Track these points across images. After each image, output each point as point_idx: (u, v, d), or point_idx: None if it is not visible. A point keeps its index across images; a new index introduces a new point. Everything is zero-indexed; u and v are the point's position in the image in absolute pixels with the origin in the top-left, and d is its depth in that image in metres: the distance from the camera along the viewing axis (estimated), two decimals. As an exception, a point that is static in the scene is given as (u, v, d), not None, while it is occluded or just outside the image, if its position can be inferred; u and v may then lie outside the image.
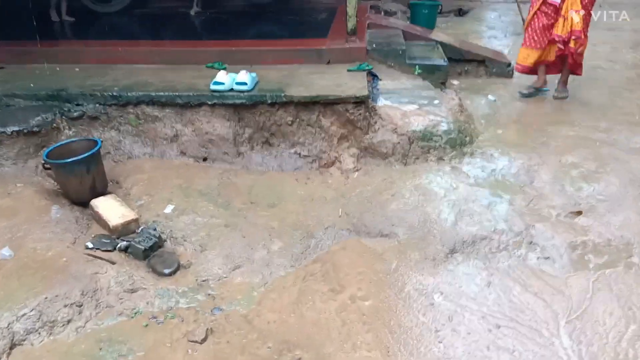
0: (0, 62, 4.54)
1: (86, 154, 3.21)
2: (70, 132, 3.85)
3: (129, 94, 3.83)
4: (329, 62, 4.38)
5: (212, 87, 3.81)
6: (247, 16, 5.86)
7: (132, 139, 3.93)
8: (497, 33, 7.02)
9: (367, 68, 4.19)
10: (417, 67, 4.53)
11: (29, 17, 5.68)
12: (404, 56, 4.59)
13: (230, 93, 3.78)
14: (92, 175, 3.26)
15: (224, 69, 4.35)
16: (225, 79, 3.83)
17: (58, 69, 4.43)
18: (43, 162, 3.25)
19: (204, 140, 3.88)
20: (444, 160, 3.68)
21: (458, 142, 3.74)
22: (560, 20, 4.32)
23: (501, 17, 8.07)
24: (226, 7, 6.22)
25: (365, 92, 3.69)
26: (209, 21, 5.66)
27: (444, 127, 3.73)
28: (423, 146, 3.70)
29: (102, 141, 3.42)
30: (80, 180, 3.23)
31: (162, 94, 3.82)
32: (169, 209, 3.28)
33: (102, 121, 3.90)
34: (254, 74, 3.94)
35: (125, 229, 3.06)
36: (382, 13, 5.94)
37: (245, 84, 3.79)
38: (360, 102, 3.72)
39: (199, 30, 5.23)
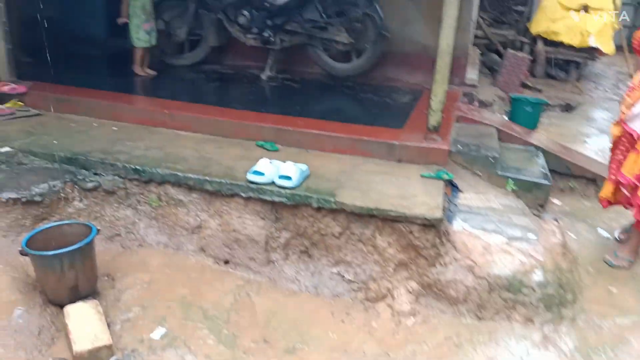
0: (40, 108, 4.13)
1: (70, 248, 2.55)
2: (81, 205, 3.26)
3: (154, 169, 3.21)
4: (399, 161, 3.58)
5: (250, 176, 3.10)
6: (320, 88, 5.23)
7: (149, 222, 3.28)
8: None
9: (446, 177, 3.34)
10: (510, 181, 3.62)
11: (94, 63, 5.41)
12: (496, 165, 3.70)
13: (270, 187, 3.06)
14: (75, 272, 2.59)
15: (276, 150, 3.66)
16: (267, 168, 3.12)
17: (95, 124, 3.94)
18: (20, 248, 2.63)
19: (229, 239, 3.15)
20: (533, 323, 2.70)
21: (556, 300, 2.76)
22: (632, 155, 3.15)
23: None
24: (302, 74, 5.64)
25: (437, 215, 2.84)
26: (277, 89, 5.07)
27: (538, 276, 2.77)
28: (507, 298, 2.75)
29: (98, 230, 2.77)
30: (59, 277, 2.57)
31: (191, 175, 3.16)
32: (157, 334, 2.53)
33: (119, 197, 3.29)
34: (303, 167, 3.21)
35: (93, 358, 2.33)
36: (477, 103, 5.09)
37: (289, 178, 3.06)
38: (430, 225, 2.86)
39: (261, 98, 4.63)
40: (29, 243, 2.63)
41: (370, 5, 5.01)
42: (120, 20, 4.86)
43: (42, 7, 6.62)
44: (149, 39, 4.94)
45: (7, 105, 4.04)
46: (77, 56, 5.77)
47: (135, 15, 4.83)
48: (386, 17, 5.16)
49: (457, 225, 3.08)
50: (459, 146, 3.82)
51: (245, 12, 5.20)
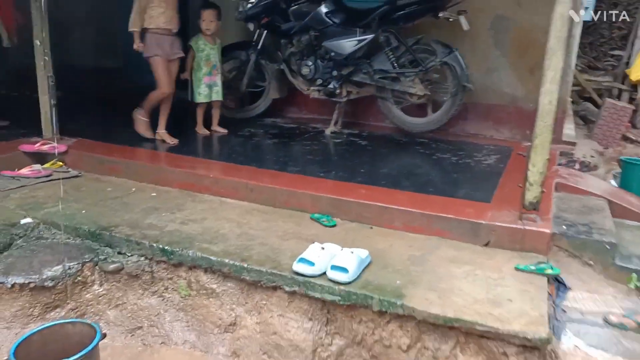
0: (81, 168, 3.79)
1: (63, 362, 2.03)
2: (101, 289, 2.78)
3: (184, 251, 2.68)
4: (487, 244, 2.85)
5: (297, 266, 2.49)
6: (390, 145, 4.60)
7: (175, 315, 2.73)
8: None
9: (550, 273, 2.57)
10: (635, 276, 2.77)
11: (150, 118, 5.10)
12: (614, 253, 2.87)
13: (321, 281, 2.43)
14: (70, 390, 2.06)
15: (333, 225, 3.05)
16: (317, 257, 2.50)
17: (134, 189, 3.52)
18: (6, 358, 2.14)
19: (268, 343, 2.54)
20: None
21: None
22: None
23: None
24: (370, 129, 5.06)
25: (542, 333, 2.08)
26: (341, 146, 4.50)
27: None
28: None
29: (104, 334, 2.24)
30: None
31: (226, 260, 2.60)
32: None
33: (144, 282, 2.78)
34: (363, 253, 2.56)
35: None
36: (578, 165, 4.26)
37: (345, 270, 2.42)
38: (532, 347, 2.11)
39: (321, 159, 4.07)
40: (23, 346, 2.14)
41: (450, 53, 4.39)
42: (183, 76, 4.49)
43: (107, 57, 6.59)
44: (209, 94, 4.52)
45: (47, 165, 3.73)
46: (130, 109, 5.53)
47: (198, 68, 4.46)
48: (468, 65, 4.51)
49: (568, 342, 2.29)
50: (563, 227, 3.02)
51: (309, 63, 4.74)
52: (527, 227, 2.79)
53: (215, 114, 4.71)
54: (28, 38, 4.18)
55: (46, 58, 3.75)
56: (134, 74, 6.45)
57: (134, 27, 4.05)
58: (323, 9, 4.65)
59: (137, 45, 4.08)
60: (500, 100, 4.84)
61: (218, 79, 4.54)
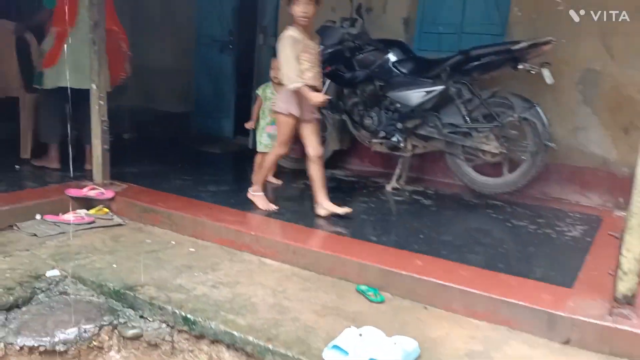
0: (126, 216, 3.65)
1: None
2: (118, 356, 2.52)
3: (207, 322, 2.38)
4: (566, 342, 2.33)
5: (328, 355, 2.11)
6: (457, 207, 4.15)
7: (193, 395, 2.41)
8: None
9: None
10: None
11: (208, 165, 4.98)
12: None
13: (355, 377, 2.03)
14: None
15: (380, 301, 2.65)
16: (353, 346, 2.10)
17: (173, 242, 3.30)
18: None
19: None
20: None
21: None
22: None
23: None
24: (436, 187, 4.63)
25: None
26: (401, 205, 4.11)
27: None
28: None
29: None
30: None
31: (250, 339, 2.26)
32: None
33: (163, 352, 2.49)
34: (410, 347, 2.13)
35: None
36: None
37: (385, 366, 2.01)
38: None
39: (377, 219, 3.68)
40: None
41: (530, 108, 3.93)
42: (249, 125, 4.30)
43: (180, 102, 6.66)
44: (271, 144, 4.21)
45: (92, 211, 3.61)
46: (193, 155, 5.47)
47: (263, 116, 4.23)
48: (551, 122, 4.02)
49: None
50: (667, 327, 2.44)
51: (373, 114, 4.44)
52: (618, 326, 2.25)
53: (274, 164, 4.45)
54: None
55: (101, 102, 3.69)
56: (200, 120, 6.48)
57: (296, 82, 3.34)
58: (391, 57, 4.36)
59: (320, 98, 3.38)
60: (588, 162, 4.27)
61: None
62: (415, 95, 4.24)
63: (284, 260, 3.06)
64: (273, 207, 3.67)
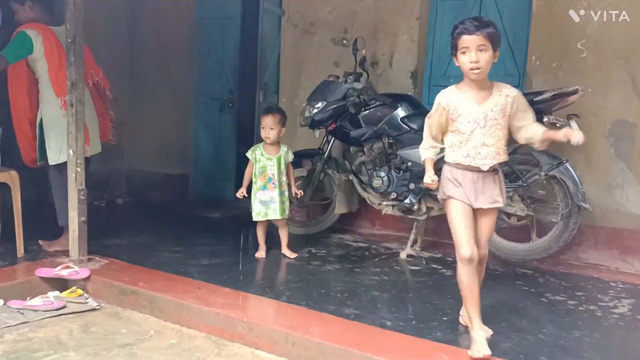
0: (104, 298, 3.19)
1: None
2: None
3: None
4: None
5: None
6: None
7: None
8: None
9: None
10: None
11: (204, 232, 4.53)
12: None
13: None
14: None
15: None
16: None
17: (152, 332, 2.82)
18: None
19: None
20: None
21: None
22: None
23: None
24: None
25: None
26: (418, 278, 3.62)
27: None
28: None
29: None
30: None
31: None
32: None
33: None
34: None
35: None
36: None
37: None
38: None
39: (390, 296, 3.18)
40: None
41: (559, 164, 3.51)
42: (239, 193, 3.80)
43: (175, 164, 6.31)
44: (265, 212, 3.78)
45: (64, 294, 3.16)
46: (189, 221, 5.05)
47: (254, 181, 3.83)
48: (584, 180, 3.58)
49: None
50: None
51: (382, 174, 4.02)
52: None
53: (282, 235, 3.93)
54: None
55: (78, 169, 3.32)
56: (200, 182, 6.11)
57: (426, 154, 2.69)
58: (399, 113, 3.99)
59: (430, 178, 2.59)
60: (627, 224, 3.79)
61: (276, 194, 3.79)
62: (429, 153, 3.82)
63: (282, 353, 2.58)
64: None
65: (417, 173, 3.88)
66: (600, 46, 3.82)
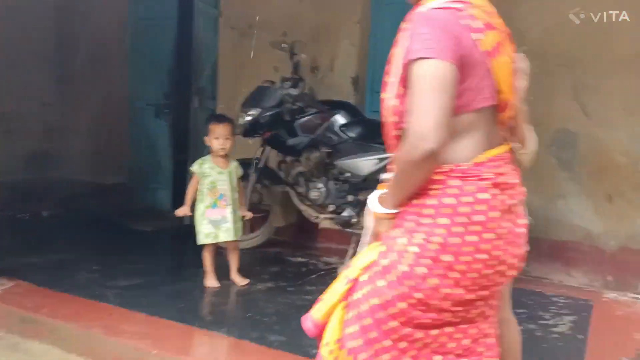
0: (2, 328, 2.84)
1: None
2: None
3: None
4: None
5: None
6: None
7: None
8: None
9: None
10: None
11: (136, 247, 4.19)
12: None
13: None
14: None
15: None
16: None
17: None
18: None
19: None
20: None
21: None
22: None
23: None
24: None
25: None
26: None
27: None
28: None
29: None
30: None
31: None
32: None
33: None
34: None
35: None
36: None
37: None
38: None
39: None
40: None
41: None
42: (181, 211, 3.37)
43: (108, 172, 5.95)
44: (216, 234, 3.34)
45: (-44, 322, 2.81)
46: (117, 235, 4.69)
47: (201, 198, 3.36)
48: (527, 190, 3.44)
49: None
50: None
51: (319, 185, 3.80)
52: None
53: (233, 259, 3.48)
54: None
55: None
56: (135, 192, 5.75)
57: None
58: (338, 120, 3.79)
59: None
60: (570, 236, 3.69)
61: (228, 213, 3.34)
62: (367, 164, 3.64)
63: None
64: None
65: (356, 184, 3.69)
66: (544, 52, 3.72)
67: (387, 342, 1.35)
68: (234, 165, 3.49)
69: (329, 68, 4.51)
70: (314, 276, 3.72)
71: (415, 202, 1.34)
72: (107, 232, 4.83)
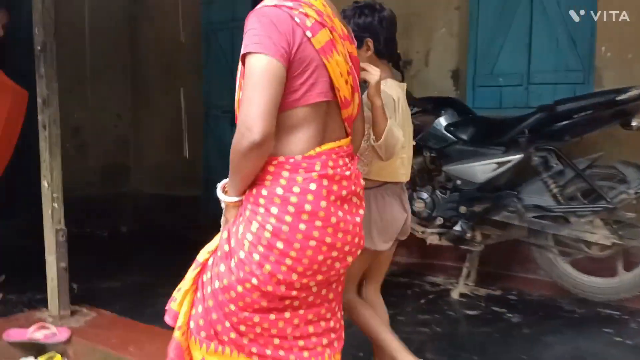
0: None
1: None
2: None
3: None
4: None
5: None
6: (557, 326, 2.92)
7: None
8: None
9: None
10: None
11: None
12: None
13: None
14: None
15: None
16: None
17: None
18: None
19: None
20: None
21: None
22: None
23: None
24: (520, 287, 3.44)
25: None
26: (477, 326, 2.91)
27: None
28: None
29: None
30: None
31: None
32: None
33: None
34: None
35: None
36: None
37: None
38: None
39: (445, 348, 2.50)
40: None
41: (654, 179, 2.78)
42: None
43: (184, 184, 5.70)
44: None
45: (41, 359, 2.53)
46: (198, 251, 4.38)
47: None
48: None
49: None
50: None
51: (424, 195, 3.33)
52: None
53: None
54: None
55: (55, 205, 2.70)
56: (212, 205, 5.45)
57: None
58: (442, 121, 3.31)
59: None
60: None
61: None
62: (482, 169, 3.14)
63: None
64: None
65: (469, 193, 3.19)
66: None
67: (227, 324, 1.41)
68: None
69: (423, 62, 4.03)
70: (422, 301, 3.24)
71: (253, 191, 1.40)
72: (187, 249, 4.52)
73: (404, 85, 2.06)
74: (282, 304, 1.41)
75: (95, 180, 5.60)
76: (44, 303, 2.91)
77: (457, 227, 3.22)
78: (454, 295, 3.28)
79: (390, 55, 2.00)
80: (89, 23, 5.20)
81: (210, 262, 1.48)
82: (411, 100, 3.40)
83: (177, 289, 1.53)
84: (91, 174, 5.57)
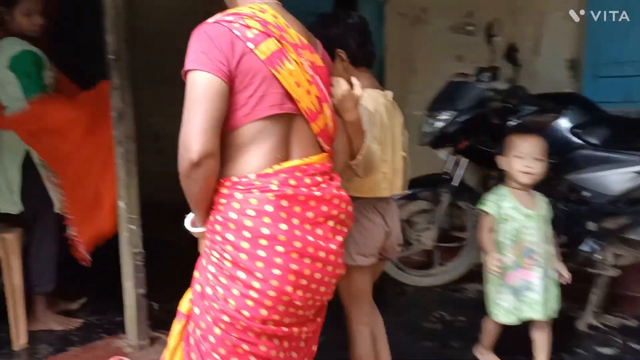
0: None
1: None
2: None
3: None
4: None
5: None
6: None
7: None
8: None
9: None
10: None
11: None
12: None
13: None
14: None
15: None
16: None
17: None
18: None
19: None
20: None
21: None
22: None
23: None
24: None
25: None
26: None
27: None
28: None
29: None
30: None
31: None
32: None
33: None
34: None
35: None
36: None
37: None
38: None
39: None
40: None
41: None
42: (495, 265, 2.33)
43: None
44: (519, 308, 2.33)
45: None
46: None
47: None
48: None
49: None
50: None
51: (544, 209, 2.84)
52: None
53: (540, 345, 2.37)
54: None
55: (133, 227, 2.48)
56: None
57: None
58: (565, 122, 2.80)
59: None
60: None
61: (538, 278, 2.32)
62: (617, 179, 2.63)
63: None
64: None
65: (600, 207, 2.68)
66: None
67: None
68: (544, 202, 2.44)
69: (533, 51, 3.52)
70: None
71: (210, 218, 1.32)
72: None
73: (389, 93, 1.93)
74: (264, 340, 1.30)
75: (176, 185, 5.49)
76: (124, 327, 2.73)
77: (585, 247, 2.72)
78: (581, 326, 2.78)
79: (368, 62, 1.89)
80: (164, 26, 5.07)
81: (191, 309, 1.38)
82: (525, 97, 2.95)
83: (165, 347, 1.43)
84: (171, 179, 5.46)
